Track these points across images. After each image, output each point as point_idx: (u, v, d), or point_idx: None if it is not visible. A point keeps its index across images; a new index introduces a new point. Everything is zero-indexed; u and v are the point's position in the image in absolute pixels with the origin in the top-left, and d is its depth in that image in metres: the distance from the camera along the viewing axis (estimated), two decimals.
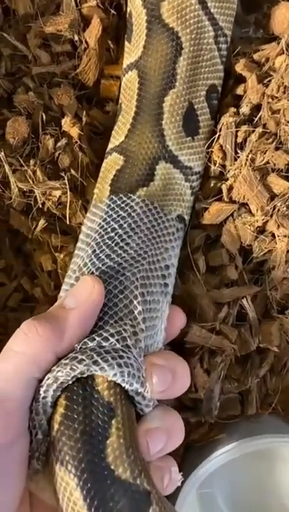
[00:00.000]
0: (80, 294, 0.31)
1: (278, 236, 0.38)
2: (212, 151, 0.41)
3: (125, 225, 0.35)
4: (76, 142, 0.42)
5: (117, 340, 0.30)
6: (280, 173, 0.39)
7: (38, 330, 0.29)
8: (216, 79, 0.41)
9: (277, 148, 0.39)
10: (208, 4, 0.38)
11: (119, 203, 0.37)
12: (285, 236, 0.38)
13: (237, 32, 0.47)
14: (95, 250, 0.35)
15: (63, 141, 0.42)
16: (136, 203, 0.37)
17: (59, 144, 0.42)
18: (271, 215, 0.38)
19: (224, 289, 0.39)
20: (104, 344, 0.30)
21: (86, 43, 0.43)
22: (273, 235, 0.39)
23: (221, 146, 0.41)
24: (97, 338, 0.30)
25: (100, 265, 0.34)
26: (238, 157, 0.40)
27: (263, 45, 0.44)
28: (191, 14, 0.38)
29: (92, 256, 0.35)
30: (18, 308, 0.48)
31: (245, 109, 0.41)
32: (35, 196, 0.41)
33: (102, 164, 0.40)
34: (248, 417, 0.42)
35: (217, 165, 0.41)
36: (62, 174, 0.41)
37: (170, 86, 0.38)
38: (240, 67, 0.42)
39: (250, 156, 0.39)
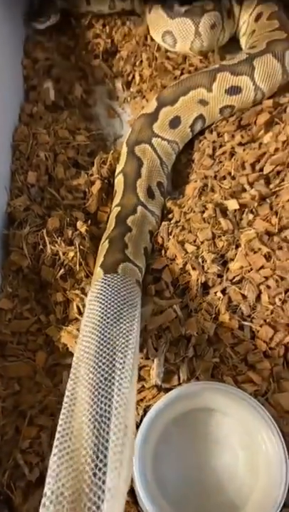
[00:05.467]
0: None
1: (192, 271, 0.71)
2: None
3: None
4: (83, 234, 0.78)
5: None
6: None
7: None
8: (162, 179, 0.84)
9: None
10: (158, 152, 0.83)
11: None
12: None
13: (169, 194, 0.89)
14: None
15: (77, 232, 0.77)
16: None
17: (75, 233, 0.77)
18: None
19: (163, 300, 0.70)
20: None
21: (91, 192, 0.84)
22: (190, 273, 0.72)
23: None
24: None
25: None
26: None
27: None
28: (148, 153, 0.83)
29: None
30: (35, 333, 0.74)
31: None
32: (59, 256, 0.74)
33: (110, 215, 0.78)
34: (181, 383, 0.65)
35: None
36: (76, 244, 0.75)
37: (138, 178, 0.80)
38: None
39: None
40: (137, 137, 0.86)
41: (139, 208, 0.78)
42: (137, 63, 1.06)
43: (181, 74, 1.01)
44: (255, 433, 0.61)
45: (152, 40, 1.07)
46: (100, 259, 0.70)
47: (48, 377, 0.70)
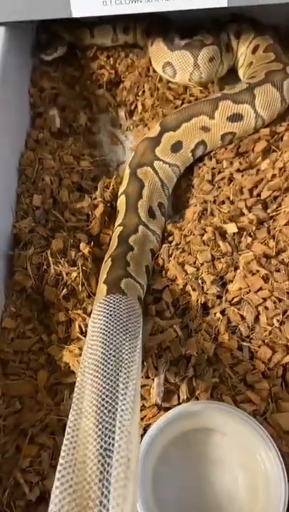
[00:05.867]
0: None
1: (193, 291, 0.73)
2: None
3: None
4: (86, 255, 0.80)
5: None
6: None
7: None
8: (163, 200, 0.88)
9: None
10: (159, 174, 0.87)
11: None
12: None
13: (170, 217, 0.91)
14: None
15: (80, 253, 0.79)
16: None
17: (78, 254, 0.79)
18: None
19: (163, 320, 0.71)
20: None
21: (94, 215, 0.86)
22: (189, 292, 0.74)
23: None
24: None
25: None
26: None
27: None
28: (150, 175, 0.86)
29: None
30: (37, 352, 0.75)
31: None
32: (62, 276, 0.76)
33: (112, 234, 0.80)
34: (181, 402, 0.66)
35: None
36: (79, 265, 0.77)
37: (139, 198, 0.83)
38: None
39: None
40: (140, 160, 0.89)
41: (141, 228, 0.81)
42: (140, 93, 1.11)
43: (182, 103, 1.05)
44: (254, 453, 0.62)
45: (154, 71, 1.12)
46: (103, 276, 0.72)
47: (49, 396, 0.71)
